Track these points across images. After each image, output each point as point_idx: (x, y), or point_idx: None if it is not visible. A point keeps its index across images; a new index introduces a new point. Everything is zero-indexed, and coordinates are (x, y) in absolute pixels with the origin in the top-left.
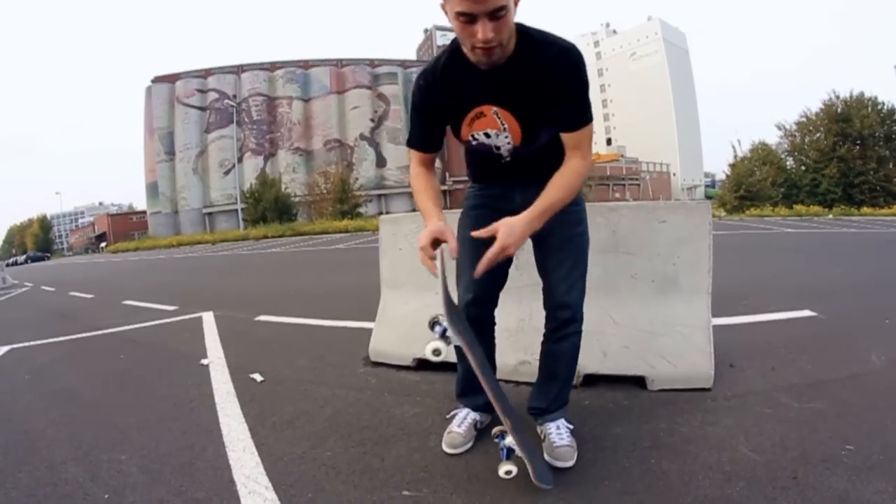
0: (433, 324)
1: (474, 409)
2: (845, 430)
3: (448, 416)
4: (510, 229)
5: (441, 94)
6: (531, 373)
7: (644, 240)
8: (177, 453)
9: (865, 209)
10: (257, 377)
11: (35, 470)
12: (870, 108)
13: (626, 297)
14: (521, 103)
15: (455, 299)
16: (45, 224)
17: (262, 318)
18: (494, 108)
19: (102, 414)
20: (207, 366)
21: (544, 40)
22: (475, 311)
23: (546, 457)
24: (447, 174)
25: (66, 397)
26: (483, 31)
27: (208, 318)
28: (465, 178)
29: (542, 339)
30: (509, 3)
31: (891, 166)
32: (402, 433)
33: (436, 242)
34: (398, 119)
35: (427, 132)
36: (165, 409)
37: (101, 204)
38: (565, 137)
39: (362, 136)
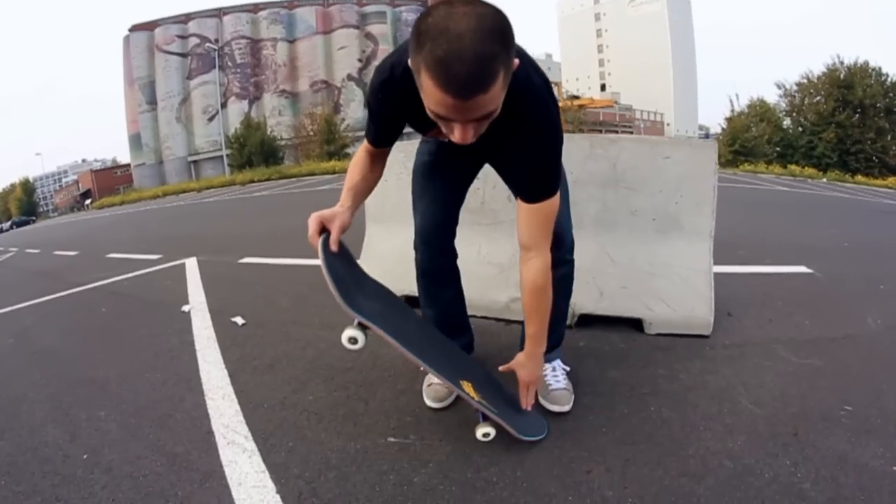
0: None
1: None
2: (843, 390)
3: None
4: (526, 370)
5: (400, 109)
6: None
7: (646, 175)
8: (155, 405)
9: (860, 177)
10: (238, 321)
11: (16, 436)
12: (873, 78)
13: (624, 235)
14: (491, 146)
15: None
16: (27, 187)
17: (247, 260)
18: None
19: (82, 371)
20: (189, 312)
21: (532, 104)
22: (435, 244)
23: (541, 400)
24: None
25: (48, 357)
26: (462, 133)
27: (191, 264)
28: None
29: None
30: (498, 102)
31: (889, 138)
32: (387, 375)
33: (324, 228)
34: None
35: (383, 132)
36: (145, 360)
37: (84, 161)
38: (521, 219)
39: (350, 77)
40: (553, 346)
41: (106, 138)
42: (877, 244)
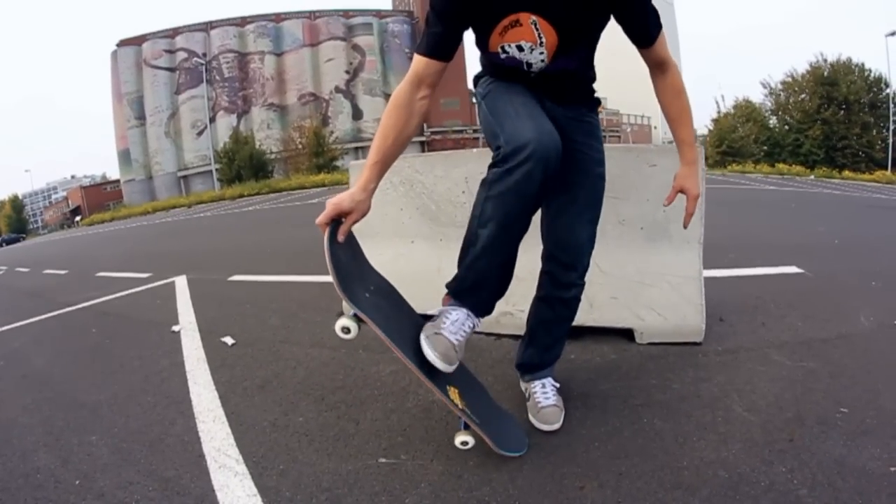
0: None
1: (478, 311)
2: (838, 392)
3: (434, 313)
4: (691, 180)
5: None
6: (514, 325)
7: (633, 184)
8: (147, 429)
9: (847, 173)
10: (228, 340)
11: (8, 461)
12: (856, 74)
13: (613, 244)
14: (565, 12)
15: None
16: (16, 204)
17: (236, 277)
18: (533, 18)
19: (73, 394)
20: (178, 332)
21: None
22: (553, 149)
23: (531, 418)
24: (425, 125)
25: (38, 380)
26: None
27: (181, 283)
28: (445, 129)
29: (538, 286)
30: None
31: (874, 133)
32: (377, 394)
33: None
34: (374, 70)
35: (444, 36)
36: (136, 383)
37: (73, 177)
38: (644, 53)
39: (337, 89)
40: (548, 364)
41: (95, 154)
42: (867, 240)
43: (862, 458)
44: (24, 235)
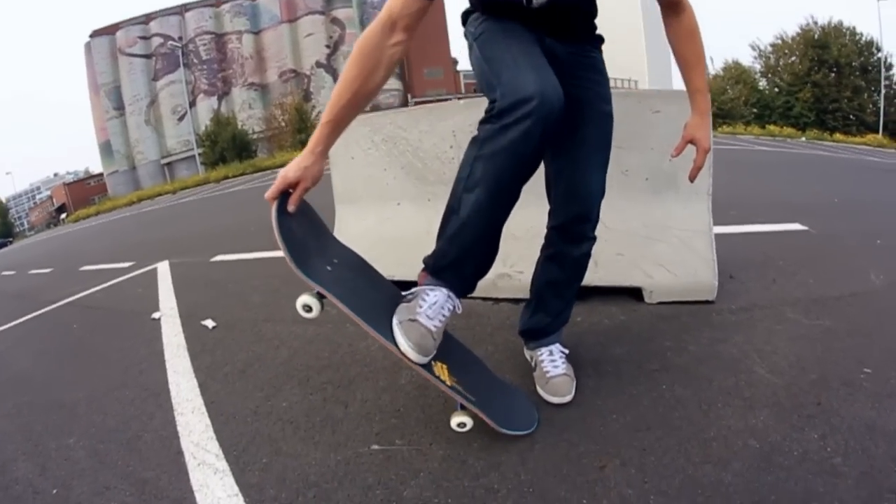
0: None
1: (460, 290)
2: (858, 351)
3: (406, 295)
4: (703, 131)
5: None
6: (512, 288)
7: (635, 131)
8: (124, 426)
9: (838, 135)
10: (209, 323)
11: None
12: (847, 38)
13: (616, 197)
14: None
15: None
16: (0, 209)
17: (219, 258)
18: None
19: (54, 395)
20: (159, 319)
21: None
22: (554, 99)
23: (539, 390)
24: (409, 96)
25: (20, 383)
26: None
27: (163, 268)
28: (430, 99)
29: (545, 244)
30: None
31: (865, 97)
32: (367, 371)
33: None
34: (354, 43)
35: None
36: (115, 377)
37: (56, 175)
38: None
39: (318, 64)
40: (556, 329)
41: (77, 149)
42: (866, 200)
43: (892, 422)
44: (10, 239)
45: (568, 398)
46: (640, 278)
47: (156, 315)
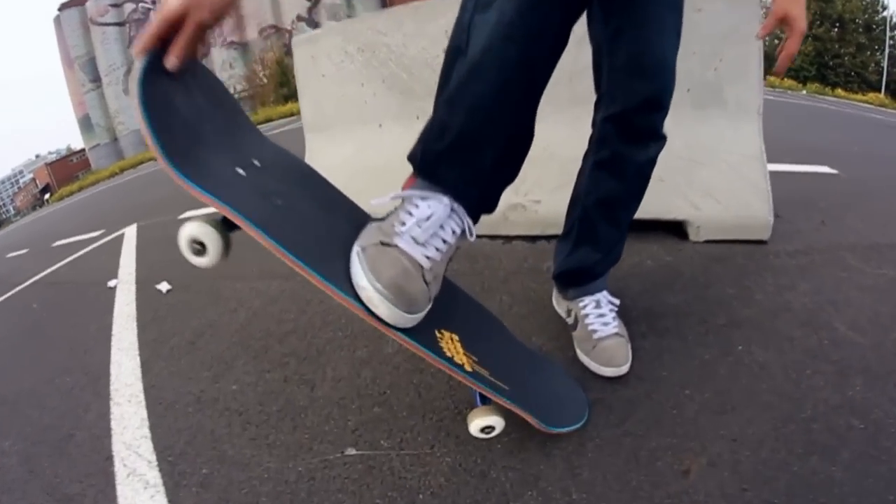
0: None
1: (473, 200)
2: None
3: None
4: (798, 7)
5: None
6: (528, 222)
7: None
8: (59, 423)
9: (840, 91)
10: (164, 287)
11: None
12: None
13: None
14: None
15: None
16: None
17: (188, 213)
18: None
19: (1, 388)
20: (114, 288)
21: None
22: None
23: (582, 358)
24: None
25: None
26: None
27: (130, 233)
28: None
29: (592, 147)
30: None
31: (868, 55)
32: (342, 336)
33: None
34: None
35: None
36: (60, 361)
37: (38, 157)
38: None
39: (300, 18)
40: (606, 269)
41: (56, 128)
42: (884, 149)
43: None
44: None
45: (625, 368)
46: (685, 210)
47: (111, 283)
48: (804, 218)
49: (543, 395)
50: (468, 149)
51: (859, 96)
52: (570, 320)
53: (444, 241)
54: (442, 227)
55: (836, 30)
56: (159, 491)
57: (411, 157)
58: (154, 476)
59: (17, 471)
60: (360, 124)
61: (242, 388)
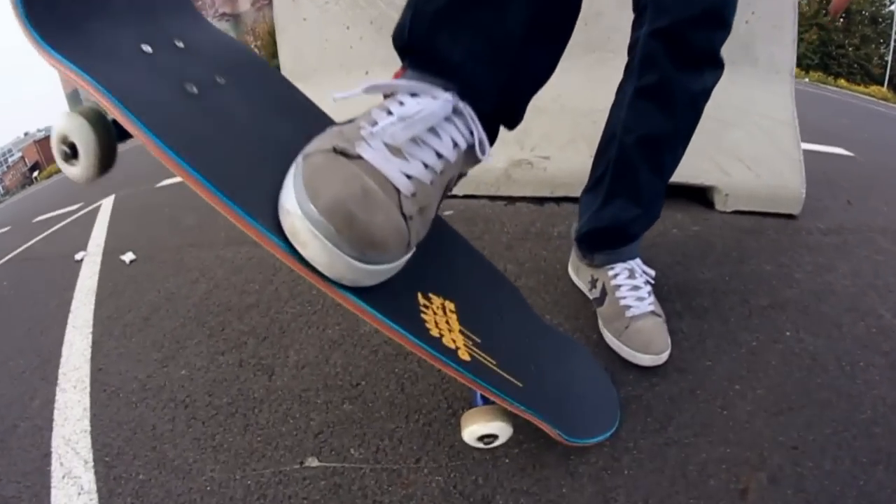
0: None
1: (478, 94)
2: None
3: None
4: None
5: None
6: (535, 180)
7: None
8: (4, 413)
9: (843, 81)
10: (128, 257)
11: None
12: None
13: None
14: None
15: None
16: None
17: (165, 182)
18: None
19: None
20: (81, 261)
21: None
22: None
23: (612, 341)
24: None
25: None
26: None
27: (107, 203)
28: None
29: (633, 67)
30: None
31: (873, 47)
32: (311, 312)
33: None
34: None
35: None
36: (16, 341)
37: (27, 134)
38: None
39: None
40: (644, 228)
41: (44, 104)
42: (890, 138)
43: None
44: None
45: (664, 356)
46: (714, 175)
47: (79, 256)
48: (829, 196)
49: (568, 395)
50: (470, 24)
51: (862, 88)
52: (594, 293)
53: (439, 156)
54: (435, 132)
55: (841, 20)
56: (93, 499)
57: (397, 35)
58: (89, 480)
59: None
60: (344, 71)
61: (192, 374)
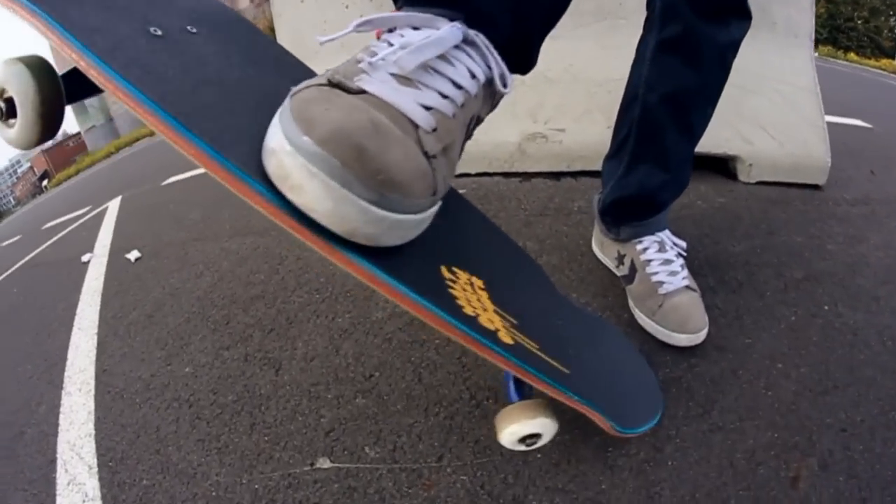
0: None
1: (486, 23)
2: None
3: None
4: None
5: None
6: (550, 155)
7: None
8: (12, 418)
9: (852, 55)
10: (133, 256)
11: None
12: None
13: None
14: None
15: None
16: None
17: (171, 180)
18: None
19: None
20: (88, 262)
21: None
22: None
23: (644, 321)
24: None
25: None
26: None
27: (113, 205)
28: None
29: (653, 21)
30: None
31: (882, 20)
32: (319, 300)
33: None
34: None
35: None
36: (24, 346)
37: None
38: None
39: None
40: (674, 196)
41: None
42: None
43: None
44: None
45: (702, 335)
46: (737, 145)
47: (85, 258)
48: (852, 166)
49: (612, 381)
50: None
51: (872, 62)
52: (622, 270)
53: (458, 86)
54: (447, 59)
55: None
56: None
57: None
58: (93, 486)
59: None
60: (345, 53)
61: (196, 371)
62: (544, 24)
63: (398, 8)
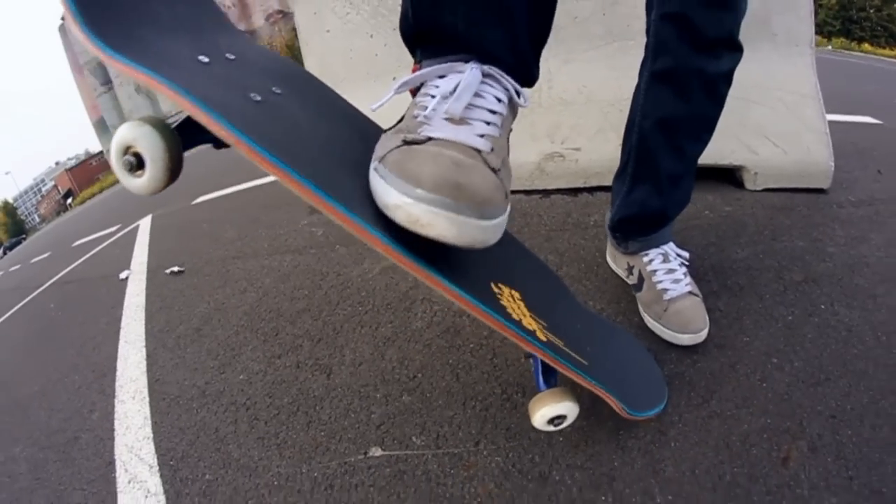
0: None
1: (491, 57)
2: None
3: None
4: None
5: None
6: (567, 172)
7: None
8: (65, 425)
9: (867, 46)
10: (174, 269)
11: None
12: None
13: None
14: None
15: None
16: (8, 209)
17: (201, 198)
18: None
19: (14, 391)
20: (126, 279)
21: None
22: None
23: (652, 323)
24: None
25: None
26: None
27: (145, 224)
28: None
29: (651, 55)
30: None
31: (895, 7)
32: (363, 312)
33: None
34: None
35: None
36: (69, 359)
37: (57, 163)
38: None
39: None
40: (675, 213)
41: (73, 133)
42: None
43: None
44: (24, 237)
45: (703, 334)
46: (741, 155)
47: (123, 275)
48: (859, 167)
49: (625, 372)
50: None
51: (887, 51)
52: (631, 279)
53: (493, 112)
54: (479, 95)
55: None
56: (160, 501)
57: (402, 23)
58: (155, 483)
59: (26, 478)
60: (371, 79)
61: (250, 378)
62: (535, 46)
63: (417, 61)
